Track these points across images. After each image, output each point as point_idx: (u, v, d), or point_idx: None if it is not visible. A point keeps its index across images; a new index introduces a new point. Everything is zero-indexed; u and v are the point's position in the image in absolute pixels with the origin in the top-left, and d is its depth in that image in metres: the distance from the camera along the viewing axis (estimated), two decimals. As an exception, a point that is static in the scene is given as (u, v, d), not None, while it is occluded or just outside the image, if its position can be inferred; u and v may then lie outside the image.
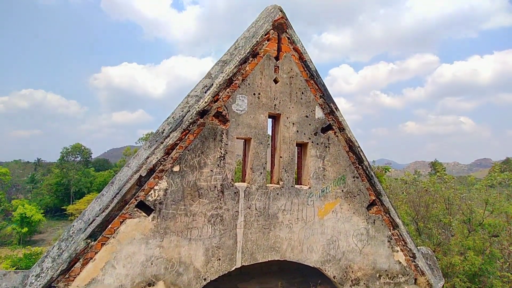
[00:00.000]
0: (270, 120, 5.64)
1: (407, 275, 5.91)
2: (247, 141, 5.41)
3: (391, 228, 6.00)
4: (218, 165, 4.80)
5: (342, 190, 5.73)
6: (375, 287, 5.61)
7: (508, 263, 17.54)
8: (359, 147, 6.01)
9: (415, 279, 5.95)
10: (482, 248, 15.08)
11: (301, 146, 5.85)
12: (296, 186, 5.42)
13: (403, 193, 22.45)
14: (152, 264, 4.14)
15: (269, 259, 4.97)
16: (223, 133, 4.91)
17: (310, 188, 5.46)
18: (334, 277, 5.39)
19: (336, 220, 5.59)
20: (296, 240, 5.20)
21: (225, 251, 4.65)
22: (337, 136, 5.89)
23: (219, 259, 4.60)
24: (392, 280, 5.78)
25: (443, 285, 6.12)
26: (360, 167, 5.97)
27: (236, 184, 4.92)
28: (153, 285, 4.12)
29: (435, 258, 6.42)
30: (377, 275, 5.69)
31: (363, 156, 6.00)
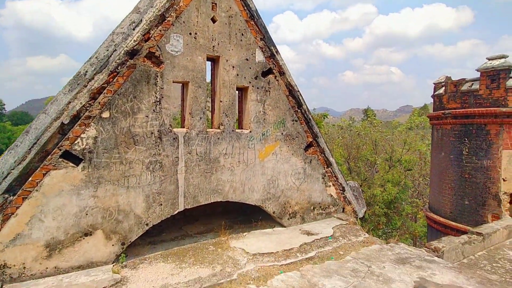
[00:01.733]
0: (209, 63, 5.37)
1: (337, 205, 6.69)
2: (184, 85, 5.12)
3: (325, 166, 6.55)
4: (153, 110, 4.52)
5: (282, 133, 5.94)
6: (310, 218, 6.26)
7: (417, 191, 21.08)
8: (298, 91, 6.15)
9: (343, 208, 6.77)
10: (398, 180, 17.74)
11: (242, 90, 5.77)
12: (237, 130, 5.44)
13: (339, 137, 24.50)
14: (87, 214, 3.95)
15: (212, 201, 5.12)
16: (157, 76, 4.54)
17: (251, 132, 5.53)
18: (273, 212, 5.84)
19: (276, 161, 5.87)
20: (238, 182, 5.38)
21: (166, 196, 4.63)
22: (277, 80, 5.90)
23: (161, 205, 4.58)
24: (324, 210, 6.49)
25: (365, 211, 7.09)
26: (299, 110, 6.18)
27: (175, 130, 4.74)
28: (91, 235, 3.98)
29: (360, 190, 7.31)
30: (312, 208, 6.32)
31: (302, 100, 6.19)
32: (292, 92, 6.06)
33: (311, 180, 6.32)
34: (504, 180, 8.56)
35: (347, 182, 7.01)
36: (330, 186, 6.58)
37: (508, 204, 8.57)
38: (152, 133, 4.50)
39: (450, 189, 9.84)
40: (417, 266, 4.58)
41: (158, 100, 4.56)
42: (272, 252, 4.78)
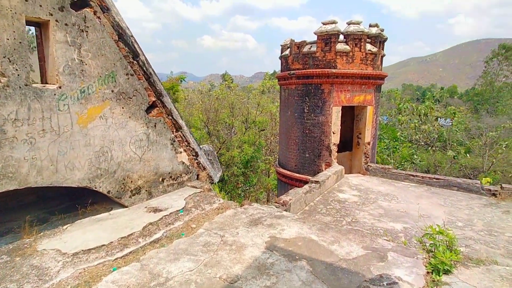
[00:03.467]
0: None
1: (190, 172, 6.03)
2: None
3: (174, 130, 5.66)
4: None
5: (113, 91, 4.58)
6: (159, 191, 5.37)
7: (269, 149, 23.48)
8: (132, 36, 4.81)
9: (198, 175, 6.19)
10: (254, 141, 19.05)
11: (40, 27, 3.96)
12: (35, 85, 3.73)
13: (199, 102, 23.94)
14: None
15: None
16: None
17: (60, 87, 3.93)
18: (109, 192, 4.60)
19: (107, 127, 4.53)
20: (45, 158, 3.80)
21: None
22: (98, 17, 4.36)
23: None
24: (176, 180, 5.71)
25: (221, 175, 6.77)
26: (135, 62, 4.89)
27: None
28: None
29: (215, 153, 6.89)
30: (161, 179, 5.41)
31: (138, 49, 4.90)
32: (123, 37, 4.67)
33: (158, 147, 5.34)
34: (333, 133, 10.10)
35: (201, 146, 6.41)
36: (181, 152, 5.80)
37: (336, 153, 10.25)
38: None
39: (295, 144, 10.95)
40: (268, 225, 4.52)
41: None
42: (104, 245, 3.68)
